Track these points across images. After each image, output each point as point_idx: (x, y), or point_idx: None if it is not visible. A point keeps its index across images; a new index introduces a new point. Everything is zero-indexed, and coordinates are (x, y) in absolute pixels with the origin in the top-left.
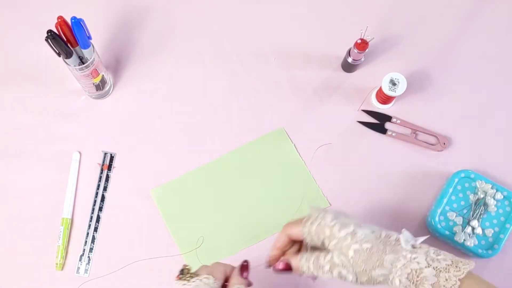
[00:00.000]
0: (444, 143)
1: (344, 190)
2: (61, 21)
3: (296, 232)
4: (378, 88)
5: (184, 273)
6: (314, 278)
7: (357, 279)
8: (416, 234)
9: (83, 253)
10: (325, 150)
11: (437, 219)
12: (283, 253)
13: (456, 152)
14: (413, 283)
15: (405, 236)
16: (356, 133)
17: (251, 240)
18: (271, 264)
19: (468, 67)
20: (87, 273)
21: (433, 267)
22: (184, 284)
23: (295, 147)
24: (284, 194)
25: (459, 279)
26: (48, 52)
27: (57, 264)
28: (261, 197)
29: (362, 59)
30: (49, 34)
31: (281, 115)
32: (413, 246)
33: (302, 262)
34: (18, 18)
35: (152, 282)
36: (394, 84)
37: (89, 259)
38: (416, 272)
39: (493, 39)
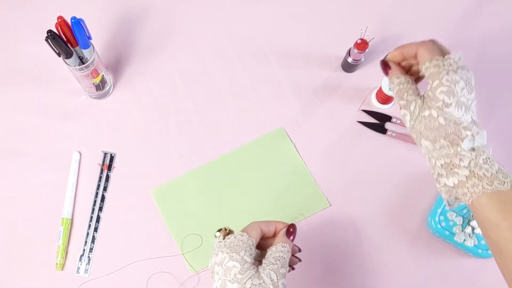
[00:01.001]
0: None
1: (344, 190)
2: (61, 21)
3: (421, 58)
4: (378, 88)
5: (221, 232)
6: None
7: (410, 130)
8: (416, 234)
9: (83, 253)
10: (325, 150)
11: (437, 219)
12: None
13: None
14: (445, 169)
15: (475, 136)
16: (356, 133)
17: None
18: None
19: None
20: (87, 273)
21: (470, 170)
22: (220, 242)
23: (295, 147)
24: (284, 194)
25: (484, 192)
26: (48, 52)
27: (57, 264)
28: (261, 197)
29: (362, 59)
30: (49, 34)
31: (281, 115)
32: (473, 149)
33: (395, 81)
34: (18, 18)
35: (152, 282)
36: None
37: (89, 259)
38: (452, 165)
39: (493, 39)
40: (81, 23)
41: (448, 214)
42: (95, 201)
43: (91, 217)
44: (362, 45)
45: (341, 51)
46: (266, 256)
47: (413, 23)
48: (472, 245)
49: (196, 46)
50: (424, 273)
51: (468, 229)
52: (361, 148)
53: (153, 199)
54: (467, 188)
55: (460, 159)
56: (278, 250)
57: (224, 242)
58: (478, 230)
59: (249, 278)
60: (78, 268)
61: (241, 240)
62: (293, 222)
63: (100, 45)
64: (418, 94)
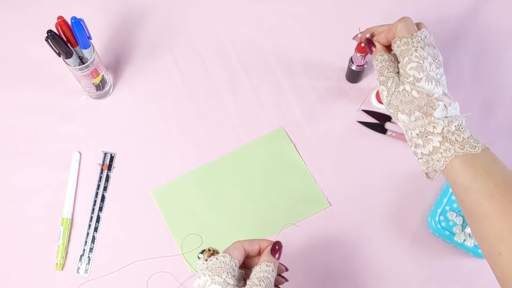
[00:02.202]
0: None
1: (344, 190)
2: (61, 21)
3: (388, 37)
4: (378, 88)
5: (204, 253)
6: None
7: (387, 106)
8: (416, 234)
9: (83, 253)
10: (325, 150)
11: (437, 219)
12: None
13: None
14: (420, 138)
15: (448, 107)
16: (356, 133)
17: None
18: (361, 38)
19: (467, 66)
20: (87, 273)
21: (443, 136)
22: (203, 264)
23: (295, 147)
24: (284, 194)
25: (456, 155)
26: (48, 52)
27: (57, 264)
28: (261, 197)
29: (365, 65)
30: (49, 34)
31: (281, 115)
32: (446, 117)
33: (379, 58)
34: (18, 18)
35: (152, 282)
36: None
37: (89, 259)
38: (427, 133)
39: (492, 38)
40: (81, 23)
41: (448, 214)
42: (95, 201)
43: (91, 217)
44: (361, 45)
45: (341, 50)
46: (251, 276)
47: None
48: (472, 245)
49: (196, 46)
50: (424, 273)
51: (468, 229)
52: (361, 148)
53: (153, 199)
54: (441, 153)
55: (434, 127)
56: (262, 270)
57: (207, 264)
58: None
59: None
60: (78, 268)
61: (223, 262)
62: (294, 223)
63: (100, 45)
64: (397, 72)
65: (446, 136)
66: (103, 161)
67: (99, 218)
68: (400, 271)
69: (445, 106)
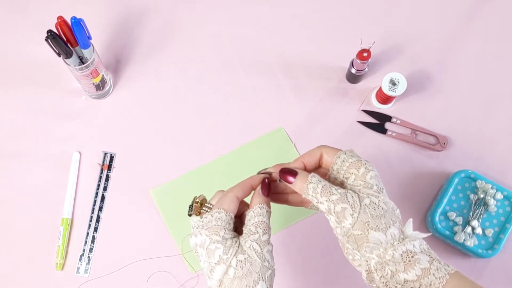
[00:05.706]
0: (444, 143)
1: None
2: (61, 21)
3: (330, 157)
4: (378, 88)
5: (193, 208)
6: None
7: (352, 227)
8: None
9: (83, 253)
10: None
11: (437, 219)
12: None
13: (456, 152)
14: (404, 262)
15: (408, 224)
16: (356, 133)
17: None
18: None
19: (468, 67)
20: (87, 273)
21: (427, 254)
22: (198, 221)
23: (295, 147)
24: None
25: (449, 273)
26: (48, 52)
27: (57, 264)
28: None
29: (366, 69)
30: (49, 34)
31: (281, 115)
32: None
33: (314, 180)
34: (18, 18)
35: (152, 282)
36: (394, 84)
37: (89, 259)
38: (410, 253)
39: (493, 39)
40: (81, 23)
41: (448, 214)
42: (95, 201)
43: (91, 217)
44: (363, 54)
45: (341, 50)
46: (246, 222)
47: (413, 23)
48: (472, 245)
49: (196, 45)
50: None
51: (468, 229)
52: (361, 148)
53: (153, 199)
54: (433, 274)
55: (413, 245)
56: (257, 214)
57: (202, 222)
58: (478, 230)
59: (233, 255)
60: (78, 268)
61: (219, 219)
62: (293, 223)
63: (100, 45)
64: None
65: (430, 255)
66: (103, 161)
67: (99, 218)
68: None
69: (406, 223)
